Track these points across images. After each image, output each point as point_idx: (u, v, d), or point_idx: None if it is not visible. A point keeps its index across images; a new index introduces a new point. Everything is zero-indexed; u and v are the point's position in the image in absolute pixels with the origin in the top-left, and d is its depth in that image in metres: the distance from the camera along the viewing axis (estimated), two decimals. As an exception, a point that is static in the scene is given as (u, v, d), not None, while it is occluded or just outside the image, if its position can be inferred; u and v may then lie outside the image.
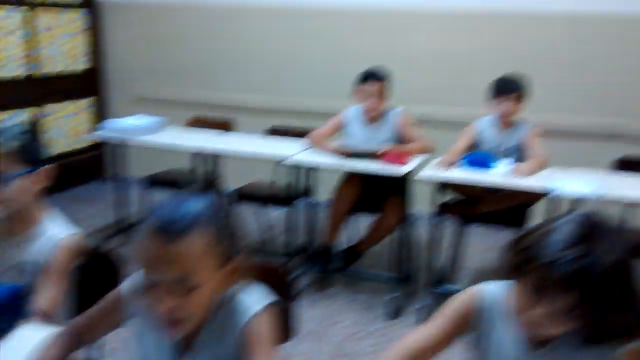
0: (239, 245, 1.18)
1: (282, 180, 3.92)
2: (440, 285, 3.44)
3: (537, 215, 3.49)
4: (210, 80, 5.10)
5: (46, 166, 1.75)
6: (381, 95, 3.47)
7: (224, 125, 4.22)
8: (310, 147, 3.59)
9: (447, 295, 3.32)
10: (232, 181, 4.17)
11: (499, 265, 1.29)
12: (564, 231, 1.09)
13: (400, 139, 3.54)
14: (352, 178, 3.57)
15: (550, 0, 4.14)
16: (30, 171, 1.70)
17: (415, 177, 3.14)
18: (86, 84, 5.25)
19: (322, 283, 3.60)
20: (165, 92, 5.21)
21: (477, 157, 3.27)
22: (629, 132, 4.10)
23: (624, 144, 4.02)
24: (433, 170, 3.23)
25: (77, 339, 1.35)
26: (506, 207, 3.39)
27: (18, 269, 1.72)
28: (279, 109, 4.84)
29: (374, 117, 3.56)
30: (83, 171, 5.25)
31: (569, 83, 4.20)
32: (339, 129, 3.65)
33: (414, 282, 3.59)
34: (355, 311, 3.31)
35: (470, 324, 1.31)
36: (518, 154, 3.41)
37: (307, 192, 3.77)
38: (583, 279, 1.03)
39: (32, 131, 1.75)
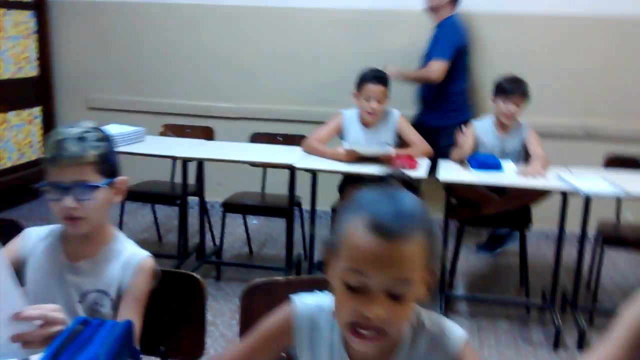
0: (438, 253, 1.05)
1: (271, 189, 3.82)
2: (444, 292, 3.40)
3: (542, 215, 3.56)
4: (168, 85, 4.82)
5: (122, 177, 1.53)
6: (385, 98, 3.40)
7: (205, 133, 3.98)
8: (309, 152, 3.44)
9: (453, 301, 3.40)
10: (214, 193, 3.97)
11: None
12: None
13: (400, 143, 3.48)
14: (358, 184, 3.45)
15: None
16: (109, 183, 1.48)
17: (440, 178, 3.07)
18: (36, 92, 4.81)
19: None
20: (120, 99, 4.87)
21: (486, 159, 3.25)
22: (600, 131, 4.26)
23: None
24: (452, 172, 3.18)
25: None
26: (510, 209, 3.41)
27: (96, 297, 1.48)
28: (248, 114, 4.65)
29: (372, 121, 3.47)
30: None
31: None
32: (337, 132, 3.53)
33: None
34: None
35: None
36: (518, 155, 3.44)
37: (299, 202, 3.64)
38: None
39: (108, 138, 1.51)
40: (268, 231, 4.40)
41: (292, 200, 3.43)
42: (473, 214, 3.41)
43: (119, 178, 1.51)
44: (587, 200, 3.01)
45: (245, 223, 4.01)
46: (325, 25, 4.55)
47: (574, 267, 3.12)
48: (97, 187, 1.43)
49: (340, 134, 3.53)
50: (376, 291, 0.96)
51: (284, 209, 3.49)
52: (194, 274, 1.64)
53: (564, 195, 3.07)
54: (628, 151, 3.67)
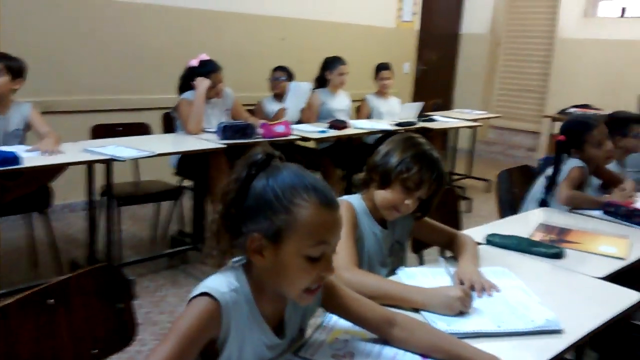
0: None
1: None
2: None
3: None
4: None
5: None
6: None
7: None
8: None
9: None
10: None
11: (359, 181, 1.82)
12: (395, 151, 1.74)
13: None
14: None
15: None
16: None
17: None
18: None
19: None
20: None
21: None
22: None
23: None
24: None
25: None
26: (28, 191, 3.30)
27: None
28: None
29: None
30: None
31: None
32: None
33: None
34: None
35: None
36: (22, 135, 3.34)
37: None
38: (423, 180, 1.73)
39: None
40: None
41: None
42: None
43: None
44: (110, 167, 3.27)
45: None
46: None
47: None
48: None
49: None
50: (330, 254, 1.18)
51: None
52: None
53: (90, 166, 3.24)
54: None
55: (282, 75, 4.87)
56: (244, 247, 1.17)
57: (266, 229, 1.13)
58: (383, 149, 1.80)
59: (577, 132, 2.72)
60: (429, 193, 1.76)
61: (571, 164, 2.67)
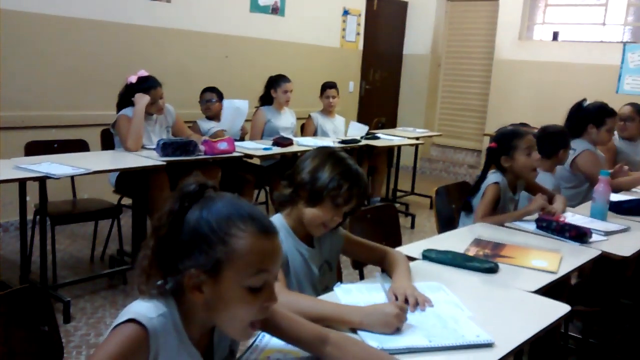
0: None
1: None
2: None
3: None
4: None
5: None
6: None
7: None
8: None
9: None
10: None
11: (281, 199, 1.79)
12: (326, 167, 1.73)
13: None
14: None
15: None
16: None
17: None
18: None
19: None
20: None
21: None
22: None
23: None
24: None
25: None
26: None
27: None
28: None
29: None
30: None
31: None
32: None
33: None
34: None
35: None
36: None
37: None
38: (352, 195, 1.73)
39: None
40: None
41: None
42: None
43: None
44: (44, 184, 3.17)
45: None
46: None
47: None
48: None
49: None
50: (272, 282, 1.14)
51: None
52: None
53: (22, 183, 3.13)
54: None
55: (212, 96, 4.77)
56: (180, 285, 1.12)
57: (204, 263, 1.09)
58: (307, 165, 1.75)
59: (507, 139, 2.79)
60: (353, 207, 1.77)
61: (489, 180, 2.76)
